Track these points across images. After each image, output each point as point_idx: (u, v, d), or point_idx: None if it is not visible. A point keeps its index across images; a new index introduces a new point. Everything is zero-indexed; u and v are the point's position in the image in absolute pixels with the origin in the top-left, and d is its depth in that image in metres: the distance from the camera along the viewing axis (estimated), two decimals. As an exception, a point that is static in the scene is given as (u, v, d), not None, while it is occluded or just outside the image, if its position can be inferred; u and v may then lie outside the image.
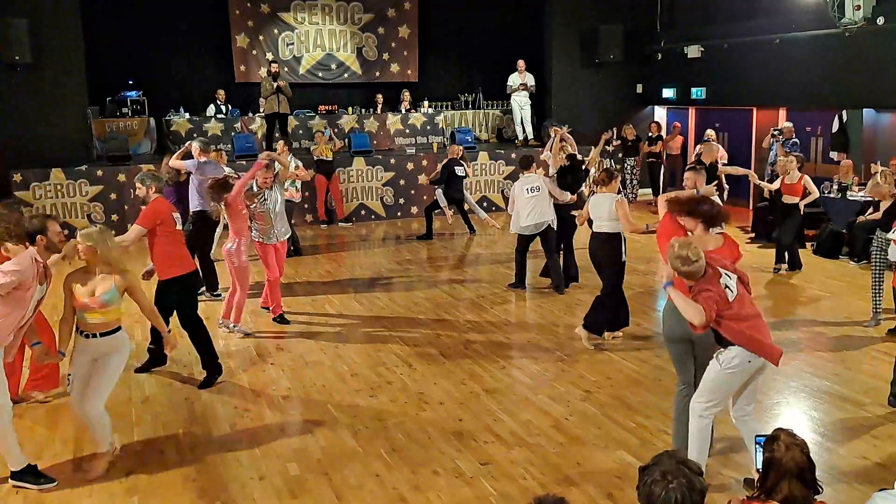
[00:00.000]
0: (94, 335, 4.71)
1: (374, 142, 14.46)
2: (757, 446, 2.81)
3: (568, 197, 8.58)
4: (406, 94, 15.27)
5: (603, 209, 6.83)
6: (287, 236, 7.95)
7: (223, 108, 14.21)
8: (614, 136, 14.70)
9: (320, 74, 15.34)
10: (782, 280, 9.28)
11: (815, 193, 9.55)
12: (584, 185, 9.10)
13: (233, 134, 13.82)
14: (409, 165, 13.79)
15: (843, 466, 4.76)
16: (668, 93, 15.08)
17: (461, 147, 12.39)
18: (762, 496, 2.71)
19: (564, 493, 4.20)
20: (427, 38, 15.84)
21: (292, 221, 10.06)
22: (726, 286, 4.06)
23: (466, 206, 12.03)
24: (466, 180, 12.13)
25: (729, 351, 4.15)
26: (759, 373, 4.25)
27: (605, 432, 5.30)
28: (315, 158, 12.72)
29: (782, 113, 12.97)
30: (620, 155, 14.65)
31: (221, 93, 14.19)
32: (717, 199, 6.56)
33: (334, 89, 15.57)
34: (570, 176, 8.75)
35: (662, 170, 14.35)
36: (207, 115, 14.06)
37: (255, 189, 7.44)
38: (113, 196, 12.15)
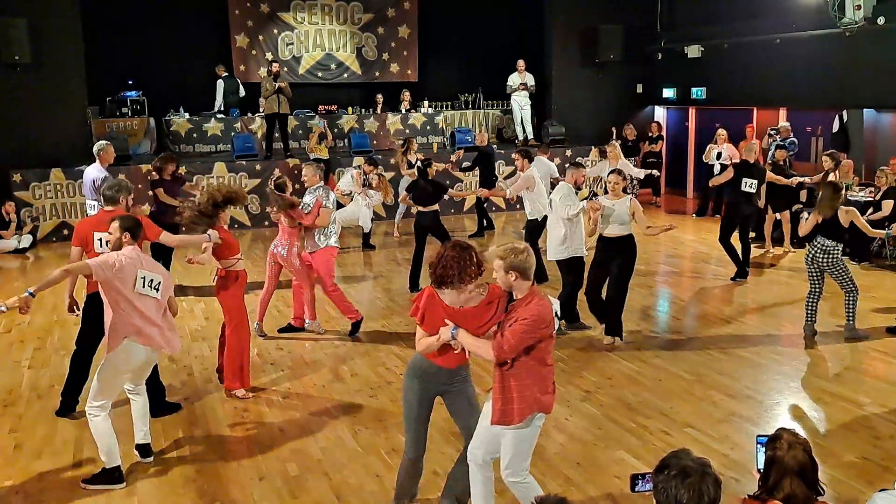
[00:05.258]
0: None
1: (374, 142, 14.46)
2: (759, 445, 2.81)
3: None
4: (406, 94, 15.25)
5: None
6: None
7: (231, 82, 14.26)
8: (613, 137, 14.71)
9: (320, 74, 15.34)
10: (781, 279, 9.27)
11: None
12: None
13: (233, 134, 13.81)
14: (409, 165, 13.77)
15: (843, 466, 4.75)
16: (668, 93, 15.09)
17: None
18: (763, 495, 2.71)
19: (564, 493, 4.20)
20: (427, 38, 15.84)
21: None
22: None
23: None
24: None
25: None
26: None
27: (605, 432, 5.30)
28: (311, 157, 12.70)
29: (782, 113, 12.96)
30: (620, 155, 14.64)
31: (221, 68, 14.18)
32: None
33: (334, 89, 15.57)
34: None
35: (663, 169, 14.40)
36: (219, 78, 14.10)
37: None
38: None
